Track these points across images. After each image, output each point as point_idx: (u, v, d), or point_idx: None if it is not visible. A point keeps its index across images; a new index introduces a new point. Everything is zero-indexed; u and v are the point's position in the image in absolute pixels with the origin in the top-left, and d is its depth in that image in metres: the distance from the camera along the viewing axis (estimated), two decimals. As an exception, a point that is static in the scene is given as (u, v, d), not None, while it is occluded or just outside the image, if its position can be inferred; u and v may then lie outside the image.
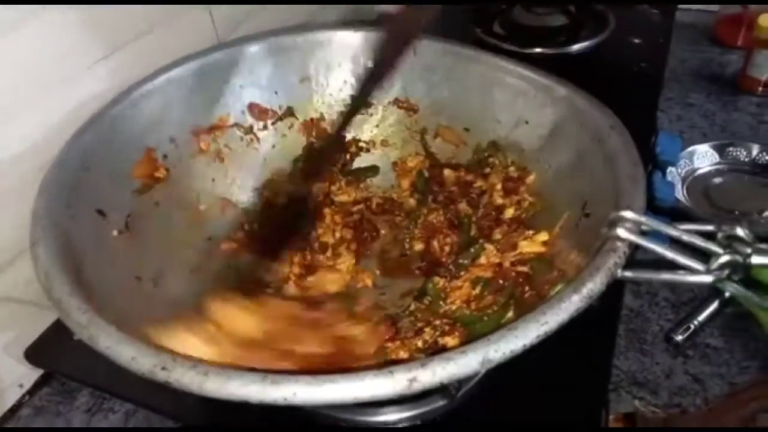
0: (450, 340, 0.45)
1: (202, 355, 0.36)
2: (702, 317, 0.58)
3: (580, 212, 0.47)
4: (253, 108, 0.63)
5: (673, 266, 0.36)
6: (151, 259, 0.51)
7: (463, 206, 0.59)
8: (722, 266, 0.35)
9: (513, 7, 0.98)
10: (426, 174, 0.65)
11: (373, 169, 0.68)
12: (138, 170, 0.54)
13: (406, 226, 0.63)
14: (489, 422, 0.49)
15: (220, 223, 0.61)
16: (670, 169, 0.73)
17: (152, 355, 0.33)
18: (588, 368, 0.51)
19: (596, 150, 0.47)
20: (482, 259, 0.53)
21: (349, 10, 0.97)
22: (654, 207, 0.66)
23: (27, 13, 0.51)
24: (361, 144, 0.68)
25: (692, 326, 0.58)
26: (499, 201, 0.57)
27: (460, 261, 0.54)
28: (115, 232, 0.49)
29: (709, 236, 0.37)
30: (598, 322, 0.49)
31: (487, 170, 0.60)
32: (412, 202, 0.65)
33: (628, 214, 0.38)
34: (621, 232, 0.37)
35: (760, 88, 0.90)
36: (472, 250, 0.54)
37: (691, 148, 0.78)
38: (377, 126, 0.67)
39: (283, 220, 0.60)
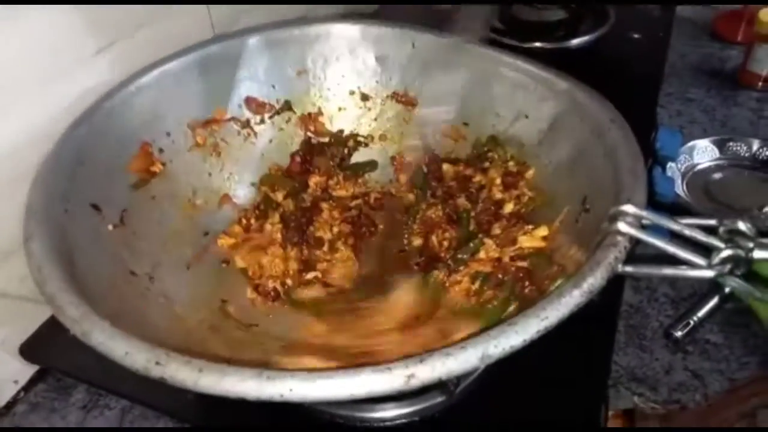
0: None
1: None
2: (702, 313, 0.58)
3: (580, 207, 0.46)
4: (250, 102, 0.63)
5: (674, 261, 0.36)
6: (147, 253, 0.51)
7: (461, 201, 0.59)
8: (724, 261, 0.35)
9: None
10: (425, 169, 0.64)
11: (371, 164, 0.67)
12: (134, 164, 0.54)
13: (404, 222, 0.62)
14: (488, 419, 0.49)
15: (217, 217, 0.60)
16: (669, 164, 0.72)
17: (146, 350, 0.32)
18: (587, 364, 0.51)
19: (596, 144, 0.47)
20: (481, 254, 0.52)
21: (348, 9, 0.96)
22: (654, 202, 0.66)
23: (22, 6, 0.51)
24: (360, 138, 0.67)
25: (692, 322, 0.57)
26: (499, 196, 0.57)
27: (459, 256, 0.53)
28: (110, 227, 0.49)
29: (710, 231, 0.37)
30: (597, 318, 0.49)
31: (486, 165, 0.60)
32: (410, 197, 0.64)
33: (628, 208, 0.38)
34: (622, 226, 0.37)
35: (760, 83, 0.89)
36: (471, 245, 0.53)
37: (691, 144, 0.78)
38: (375, 120, 0.67)
39: None
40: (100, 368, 0.37)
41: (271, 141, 0.65)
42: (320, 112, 0.66)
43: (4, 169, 0.52)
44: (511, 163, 0.58)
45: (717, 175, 0.76)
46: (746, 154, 0.77)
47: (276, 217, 0.61)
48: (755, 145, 0.77)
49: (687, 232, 0.36)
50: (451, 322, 0.48)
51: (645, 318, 0.59)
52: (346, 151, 0.67)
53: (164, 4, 0.65)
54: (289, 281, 0.57)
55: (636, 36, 0.93)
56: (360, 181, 0.67)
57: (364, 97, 0.66)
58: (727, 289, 0.58)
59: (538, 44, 0.90)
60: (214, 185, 0.61)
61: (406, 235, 0.61)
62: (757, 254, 0.35)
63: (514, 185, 0.56)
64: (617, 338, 0.57)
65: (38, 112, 0.54)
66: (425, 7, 0.88)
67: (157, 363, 0.32)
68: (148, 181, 0.55)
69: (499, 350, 0.32)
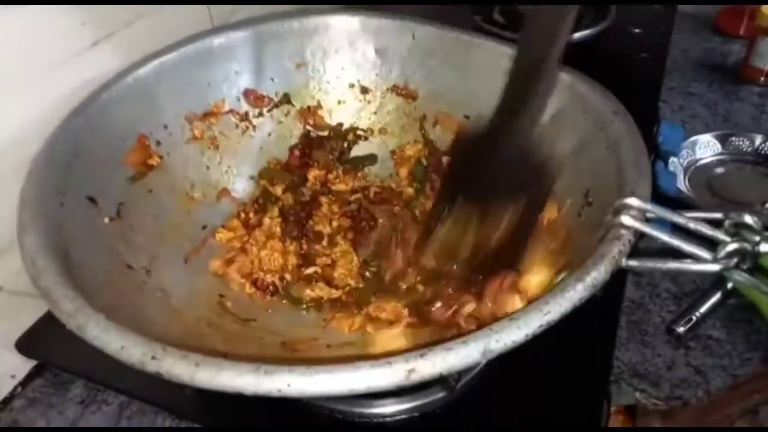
0: None
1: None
2: (704, 309, 0.57)
3: (582, 200, 0.46)
4: (248, 94, 0.62)
5: (679, 255, 0.36)
6: (144, 247, 0.50)
7: None
8: (730, 254, 0.34)
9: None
10: (424, 162, 0.64)
11: (371, 158, 0.67)
12: (131, 157, 0.54)
13: (404, 216, 0.61)
14: (489, 415, 0.48)
15: (215, 211, 0.60)
16: (672, 159, 0.72)
17: (142, 344, 0.32)
18: (589, 360, 0.51)
19: (599, 137, 0.47)
20: None
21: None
22: (656, 197, 0.65)
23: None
24: (359, 132, 0.67)
25: (694, 318, 0.57)
26: None
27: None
28: (106, 220, 0.48)
29: (715, 224, 0.36)
30: (599, 313, 0.48)
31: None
32: (410, 191, 0.64)
33: (633, 201, 0.37)
34: (626, 219, 0.36)
35: (763, 78, 0.89)
36: None
37: (693, 138, 0.77)
38: (375, 113, 0.66)
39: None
40: (98, 363, 0.37)
41: (269, 134, 0.64)
42: (319, 105, 0.66)
43: (1, 162, 0.51)
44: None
45: (719, 170, 0.76)
46: (748, 149, 0.77)
47: (275, 211, 0.60)
48: (758, 140, 0.77)
49: (692, 225, 0.36)
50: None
51: (647, 313, 0.59)
52: (345, 144, 0.66)
53: (161, 4, 0.64)
54: (288, 276, 0.56)
55: (637, 31, 0.93)
56: (359, 175, 0.66)
57: (364, 90, 0.66)
58: (729, 285, 0.58)
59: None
60: (212, 179, 0.60)
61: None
62: (764, 248, 0.34)
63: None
64: (619, 334, 0.56)
65: (34, 105, 0.54)
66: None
67: (153, 357, 0.31)
68: (145, 174, 0.54)
69: (501, 345, 0.32)
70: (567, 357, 0.49)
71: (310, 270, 0.57)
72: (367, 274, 0.57)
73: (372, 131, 0.67)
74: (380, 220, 0.62)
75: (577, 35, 0.90)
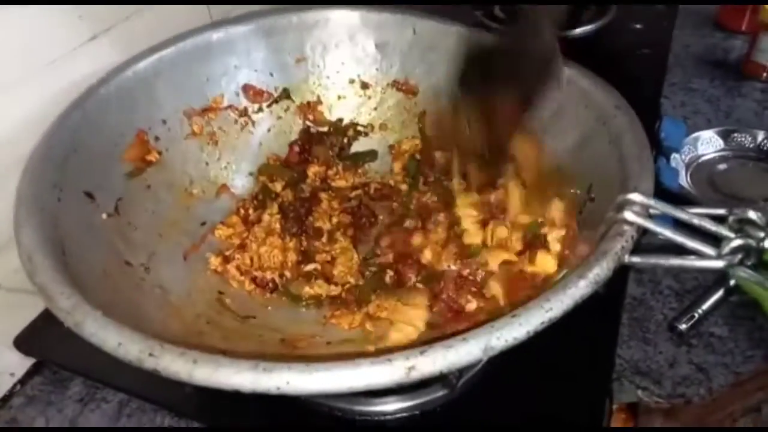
0: None
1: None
2: (706, 306, 0.57)
3: (585, 196, 0.46)
4: (247, 90, 0.62)
5: (681, 252, 0.35)
6: (142, 243, 0.50)
7: (456, 180, 0.58)
8: (734, 250, 0.34)
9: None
10: (418, 157, 0.64)
11: (371, 154, 0.66)
12: (129, 153, 0.53)
13: (403, 212, 0.61)
14: (490, 413, 0.48)
15: (214, 207, 0.59)
16: (674, 155, 0.72)
17: (139, 341, 0.32)
18: (591, 357, 0.51)
19: (601, 131, 0.46)
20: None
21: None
22: (658, 193, 0.65)
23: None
24: (359, 128, 0.67)
25: (696, 315, 0.56)
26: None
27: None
28: (104, 216, 0.48)
29: (719, 221, 0.36)
30: (601, 311, 0.48)
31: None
32: (404, 186, 0.63)
33: (635, 196, 0.37)
34: (628, 215, 0.36)
35: (765, 74, 0.88)
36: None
37: (695, 134, 0.77)
38: (375, 109, 0.66)
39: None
40: (97, 361, 0.37)
41: (269, 130, 0.64)
42: (319, 101, 0.65)
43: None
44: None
45: (721, 166, 0.75)
46: (751, 145, 0.76)
47: (274, 208, 0.60)
48: (760, 136, 0.76)
49: (696, 221, 0.36)
50: None
51: (649, 311, 0.58)
52: (345, 140, 0.66)
53: (159, 4, 0.64)
54: (287, 273, 0.56)
55: (639, 26, 0.92)
56: (360, 171, 0.66)
57: (364, 86, 0.65)
58: (732, 282, 0.57)
59: (540, 33, 0.88)
60: (211, 175, 0.60)
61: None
62: (769, 244, 0.34)
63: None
64: (620, 331, 0.56)
65: (32, 100, 0.53)
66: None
67: (151, 354, 0.31)
68: (143, 170, 0.54)
69: (502, 342, 0.31)
70: (569, 354, 0.49)
71: (309, 267, 0.56)
72: (367, 273, 0.56)
73: (372, 127, 0.66)
74: (380, 217, 0.62)
75: (578, 31, 0.90)
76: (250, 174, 0.63)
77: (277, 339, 0.49)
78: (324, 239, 0.59)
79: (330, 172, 0.64)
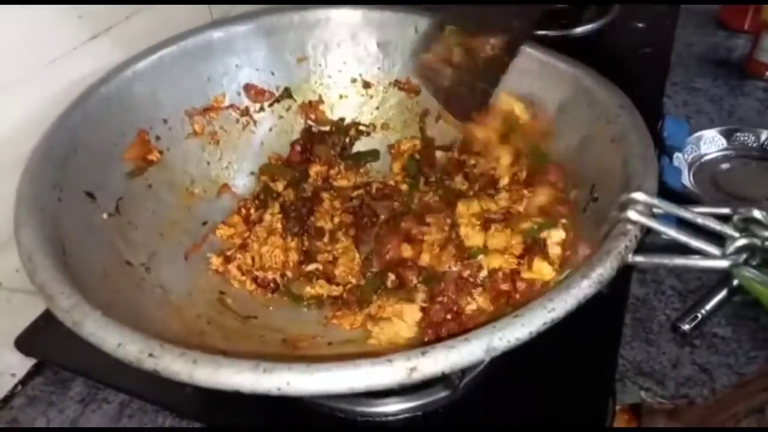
0: None
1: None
2: (709, 306, 0.57)
3: (588, 195, 0.45)
4: (249, 89, 0.62)
5: (686, 251, 0.35)
6: (143, 243, 0.50)
7: (459, 179, 0.58)
8: (739, 250, 0.34)
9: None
10: (417, 157, 0.63)
11: (373, 154, 0.66)
12: (130, 152, 0.53)
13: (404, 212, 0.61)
14: (493, 414, 0.48)
15: (215, 207, 0.59)
16: (676, 154, 0.71)
17: (139, 341, 0.31)
18: (594, 358, 0.50)
19: (605, 131, 0.46)
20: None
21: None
22: (660, 193, 0.65)
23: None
24: (361, 127, 0.66)
25: (699, 315, 0.56)
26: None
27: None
28: (104, 216, 0.48)
29: (723, 220, 0.35)
30: (604, 311, 0.48)
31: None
32: (404, 186, 0.63)
33: (639, 195, 0.37)
34: (632, 214, 0.36)
35: (767, 73, 0.88)
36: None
37: (698, 134, 0.77)
38: (377, 108, 0.66)
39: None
40: (98, 361, 0.36)
41: (270, 129, 0.64)
42: (321, 100, 0.65)
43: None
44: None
45: (724, 166, 0.75)
46: (754, 145, 0.76)
47: (276, 207, 0.60)
48: (763, 135, 0.76)
49: (700, 220, 0.35)
50: None
51: (652, 311, 0.58)
52: (347, 140, 0.66)
53: (160, 3, 0.63)
54: (289, 273, 0.56)
55: (641, 25, 0.92)
56: (361, 171, 0.65)
57: (366, 85, 0.65)
58: (735, 282, 0.57)
59: (541, 32, 0.88)
60: (212, 174, 0.60)
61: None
62: (774, 243, 0.34)
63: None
64: (623, 332, 0.56)
65: (32, 99, 0.53)
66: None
67: (151, 355, 0.31)
68: (144, 170, 0.54)
69: (505, 343, 0.31)
70: (571, 355, 0.48)
71: (311, 267, 0.56)
72: (369, 273, 0.56)
73: (374, 126, 0.66)
74: (382, 216, 0.61)
75: (580, 30, 0.89)
76: (252, 173, 0.63)
77: (278, 339, 0.48)
78: (325, 239, 0.58)
79: (332, 172, 0.64)
